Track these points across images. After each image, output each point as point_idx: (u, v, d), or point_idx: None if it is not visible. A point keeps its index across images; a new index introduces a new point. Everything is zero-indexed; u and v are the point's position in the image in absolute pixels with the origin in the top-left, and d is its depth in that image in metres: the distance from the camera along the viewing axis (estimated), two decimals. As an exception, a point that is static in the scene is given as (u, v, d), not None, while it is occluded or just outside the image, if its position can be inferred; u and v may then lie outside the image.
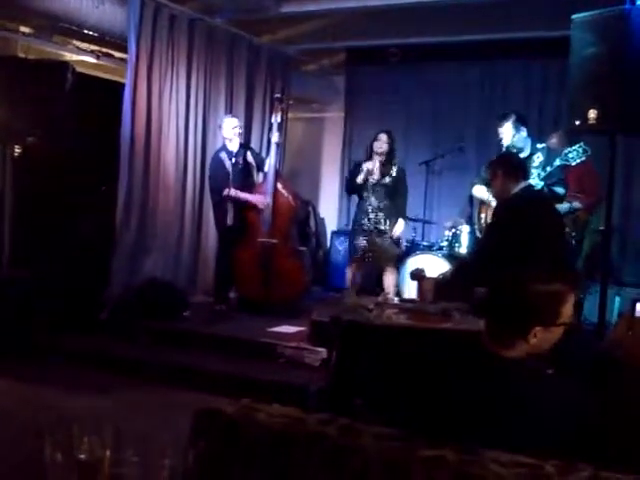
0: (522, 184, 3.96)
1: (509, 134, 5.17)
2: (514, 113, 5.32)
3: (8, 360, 5.01)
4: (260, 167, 6.54)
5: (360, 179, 6.05)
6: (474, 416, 1.79)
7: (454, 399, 1.84)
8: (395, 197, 6.11)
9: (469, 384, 1.82)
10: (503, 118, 5.28)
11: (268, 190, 6.37)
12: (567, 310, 1.89)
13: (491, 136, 6.16)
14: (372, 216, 6.04)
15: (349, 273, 6.28)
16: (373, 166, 6.01)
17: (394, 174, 6.06)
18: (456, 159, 7.27)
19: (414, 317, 3.81)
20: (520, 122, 5.21)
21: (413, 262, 6.09)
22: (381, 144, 6.03)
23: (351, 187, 6.26)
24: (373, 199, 6.05)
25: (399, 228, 6.11)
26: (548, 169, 4.87)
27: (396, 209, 6.10)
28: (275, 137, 6.48)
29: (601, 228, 4.56)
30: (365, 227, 6.05)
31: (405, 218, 6.22)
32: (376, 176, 6.04)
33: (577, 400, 1.79)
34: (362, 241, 6.05)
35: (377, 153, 6.04)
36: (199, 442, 1.73)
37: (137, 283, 6.27)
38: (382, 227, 6.03)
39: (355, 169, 6.19)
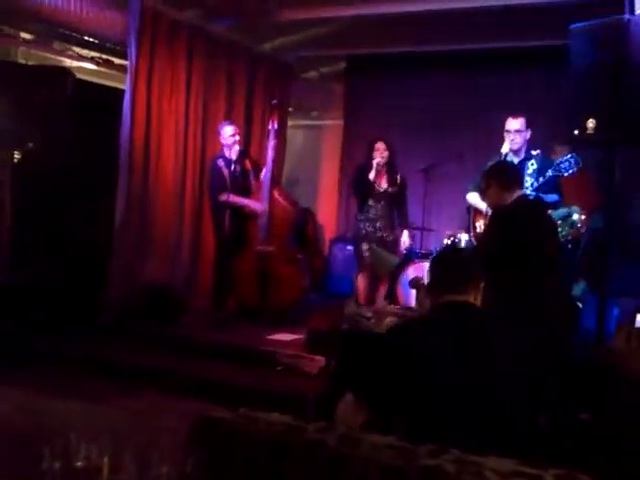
0: (517, 193, 3.96)
1: (520, 129, 5.18)
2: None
3: (6, 365, 5.00)
4: (257, 174, 6.54)
5: (372, 176, 5.96)
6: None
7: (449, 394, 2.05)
8: (398, 205, 6.14)
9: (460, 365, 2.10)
10: (518, 115, 5.31)
11: (264, 196, 6.37)
12: None
13: (490, 144, 6.15)
14: (377, 224, 6.01)
15: (358, 282, 6.21)
16: (378, 168, 5.97)
17: (399, 182, 6.09)
18: (455, 167, 7.27)
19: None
20: (528, 123, 5.25)
21: (412, 270, 6.09)
22: (381, 153, 6.00)
23: (362, 186, 6.07)
24: (379, 206, 6.02)
25: (406, 239, 6.13)
26: (541, 180, 4.89)
27: (399, 218, 6.14)
28: (272, 143, 6.47)
29: (599, 237, 4.56)
30: (370, 235, 6.02)
31: (407, 227, 6.22)
32: (384, 185, 6.04)
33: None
34: (366, 248, 6.02)
35: (379, 165, 5.99)
36: (197, 450, 1.72)
37: (136, 288, 6.27)
38: (385, 235, 6.01)
39: (360, 173, 6.10)
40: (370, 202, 6.05)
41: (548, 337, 3.60)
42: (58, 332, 5.64)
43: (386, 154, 6.01)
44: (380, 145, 6.03)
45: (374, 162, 5.98)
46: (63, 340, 5.66)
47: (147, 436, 3.58)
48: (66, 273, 6.05)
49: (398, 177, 6.09)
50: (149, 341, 5.76)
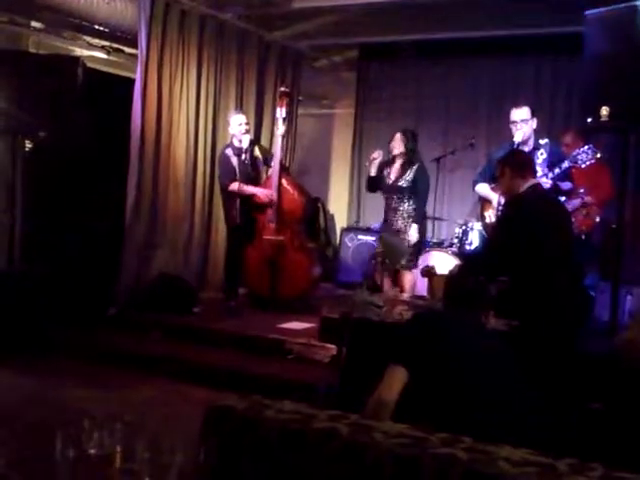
0: (530, 182, 3.93)
1: (525, 118, 5.15)
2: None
3: (18, 354, 5.03)
4: (267, 162, 6.52)
5: (373, 172, 5.92)
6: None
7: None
8: (413, 199, 5.84)
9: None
10: (521, 104, 5.27)
11: (274, 185, 6.35)
12: None
13: (502, 133, 6.11)
14: (390, 217, 5.91)
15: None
16: (380, 156, 5.87)
17: (411, 175, 5.80)
18: (467, 156, 7.24)
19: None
20: (533, 113, 5.22)
21: (424, 259, 6.06)
22: (395, 144, 5.87)
23: (367, 182, 6.08)
24: (390, 200, 5.91)
25: (413, 233, 5.81)
26: (557, 171, 4.86)
27: (415, 212, 5.83)
28: (280, 131, 6.42)
29: (613, 226, 4.53)
30: (387, 228, 5.95)
31: (419, 221, 5.86)
32: (393, 177, 5.89)
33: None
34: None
35: (395, 155, 5.87)
36: (210, 438, 1.73)
37: (147, 279, 6.29)
38: (392, 228, 5.89)
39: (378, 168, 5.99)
40: (385, 195, 5.95)
41: (560, 327, 3.59)
42: (70, 321, 5.67)
43: (401, 147, 5.81)
44: (397, 136, 5.87)
45: (391, 154, 5.89)
46: (75, 329, 5.69)
47: (160, 424, 3.60)
48: (78, 262, 6.07)
49: (413, 169, 5.80)
50: (160, 330, 5.76)
